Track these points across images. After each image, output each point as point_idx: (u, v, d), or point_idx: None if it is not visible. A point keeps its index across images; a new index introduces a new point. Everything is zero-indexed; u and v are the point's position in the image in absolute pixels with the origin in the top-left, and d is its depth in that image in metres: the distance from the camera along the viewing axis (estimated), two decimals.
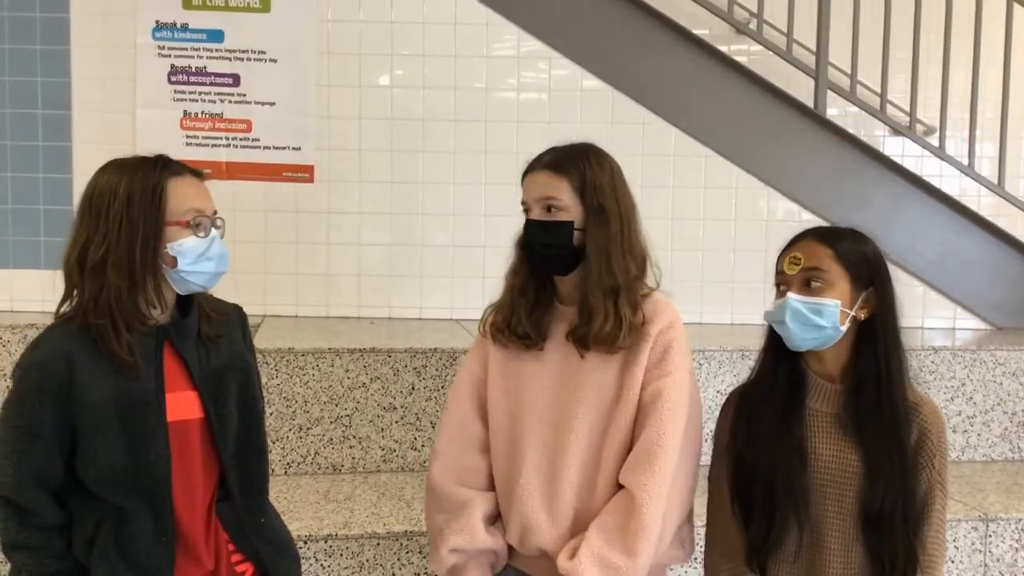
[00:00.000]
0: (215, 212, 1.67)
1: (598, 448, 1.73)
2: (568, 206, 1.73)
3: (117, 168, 1.62)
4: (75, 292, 1.61)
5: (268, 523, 1.78)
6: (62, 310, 1.63)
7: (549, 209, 1.74)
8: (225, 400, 1.69)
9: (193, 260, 1.61)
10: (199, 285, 1.65)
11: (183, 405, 1.65)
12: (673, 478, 1.69)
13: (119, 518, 1.59)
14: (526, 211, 1.78)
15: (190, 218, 1.61)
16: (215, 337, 1.71)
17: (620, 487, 1.72)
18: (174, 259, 1.60)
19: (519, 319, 1.78)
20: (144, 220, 1.57)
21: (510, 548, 1.80)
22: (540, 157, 1.79)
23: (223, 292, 1.79)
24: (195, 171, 1.67)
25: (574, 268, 1.75)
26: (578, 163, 1.75)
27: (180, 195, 1.61)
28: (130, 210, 1.57)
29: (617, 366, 1.74)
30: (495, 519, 1.81)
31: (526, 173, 1.79)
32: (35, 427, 1.56)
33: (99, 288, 1.56)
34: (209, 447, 1.68)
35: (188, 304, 1.69)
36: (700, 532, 2.58)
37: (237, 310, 1.82)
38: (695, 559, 2.62)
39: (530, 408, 1.77)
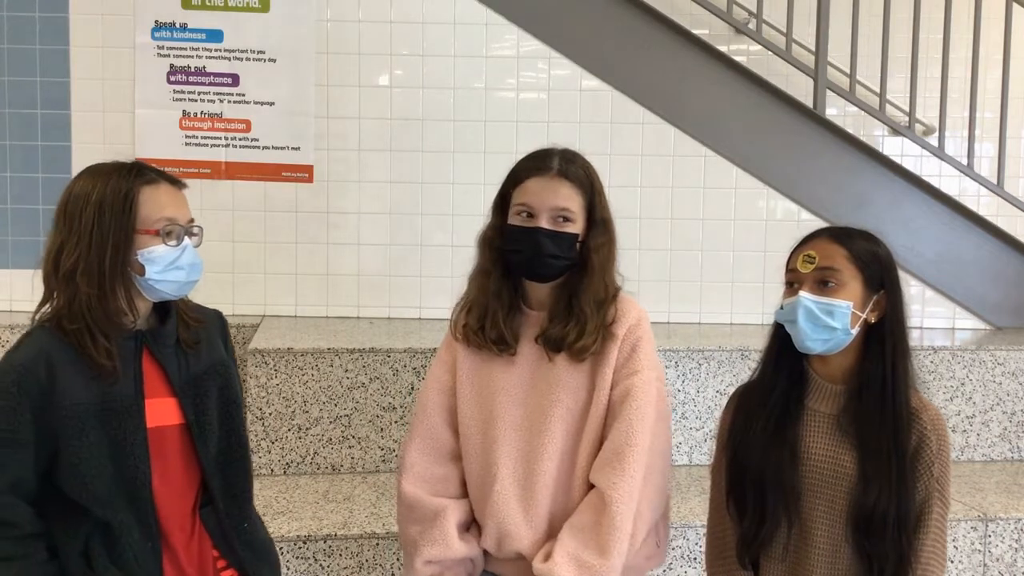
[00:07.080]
0: (191, 221, 1.65)
1: (573, 451, 1.74)
2: (577, 219, 1.73)
3: (92, 174, 1.61)
4: (53, 296, 1.60)
5: (251, 528, 1.77)
6: (42, 313, 1.62)
7: (558, 219, 1.72)
8: (205, 406, 1.68)
9: (162, 269, 1.59)
10: (168, 294, 1.63)
11: (162, 411, 1.64)
12: (644, 476, 1.69)
13: (106, 529, 1.58)
14: (529, 215, 1.72)
15: (160, 227, 1.60)
16: (194, 343, 1.70)
17: (592, 486, 1.72)
18: (143, 267, 1.58)
19: (494, 322, 1.76)
20: (114, 228, 1.56)
21: (485, 553, 1.79)
22: (545, 161, 1.74)
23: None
24: (172, 179, 1.66)
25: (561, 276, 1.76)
26: (589, 176, 1.75)
27: (152, 203, 1.59)
28: (100, 217, 1.56)
29: (587, 368, 1.74)
30: (469, 525, 1.80)
31: (530, 175, 1.74)
32: (14, 433, 1.52)
33: (72, 295, 1.56)
34: (190, 453, 1.67)
35: (166, 310, 1.68)
36: (694, 533, 2.61)
37: (217, 315, 1.81)
38: (696, 559, 2.63)
39: (502, 415, 1.76)
